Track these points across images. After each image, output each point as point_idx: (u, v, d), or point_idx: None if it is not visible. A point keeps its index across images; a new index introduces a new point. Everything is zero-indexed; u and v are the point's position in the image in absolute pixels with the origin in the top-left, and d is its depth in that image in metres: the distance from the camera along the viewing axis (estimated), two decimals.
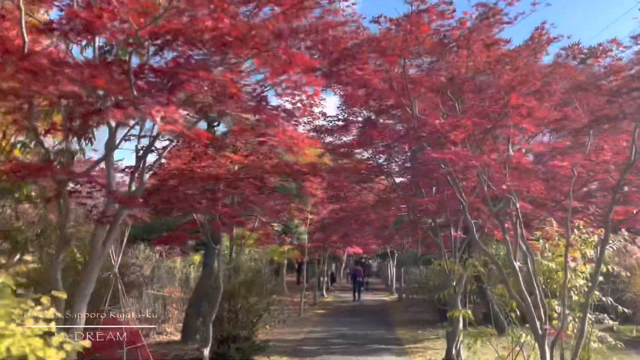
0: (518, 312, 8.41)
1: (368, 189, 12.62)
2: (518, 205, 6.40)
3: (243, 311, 11.19)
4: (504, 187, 5.69)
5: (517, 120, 6.76)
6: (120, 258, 7.89)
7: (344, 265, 38.18)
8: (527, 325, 9.06)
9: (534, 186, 7.79)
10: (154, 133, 5.65)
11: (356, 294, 25.63)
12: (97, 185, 4.57)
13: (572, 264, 7.59)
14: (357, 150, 11.84)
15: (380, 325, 16.52)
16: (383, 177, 11.29)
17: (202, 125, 12.62)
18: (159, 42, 3.98)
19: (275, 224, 16.51)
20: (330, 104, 47.68)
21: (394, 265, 30.82)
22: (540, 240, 8.36)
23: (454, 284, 10.98)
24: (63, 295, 4.14)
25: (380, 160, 10.87)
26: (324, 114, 10.94)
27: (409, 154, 9.55)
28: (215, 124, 12.41)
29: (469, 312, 8.41)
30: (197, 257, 17.99)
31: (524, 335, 8.47)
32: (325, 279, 29.74)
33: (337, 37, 4.63)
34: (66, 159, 4.74)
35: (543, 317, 6.78)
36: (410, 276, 21.28)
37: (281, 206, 10.69)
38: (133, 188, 5.52)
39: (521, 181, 6.28)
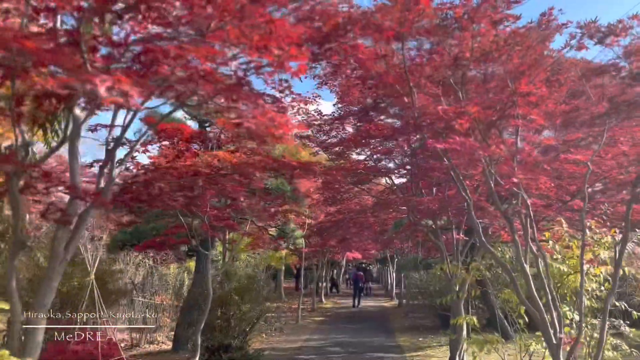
0: (526, 319, 7.77)
1: (366, 190, 11.96)
2: (529, 202, 5.77)
3: (235, 319, 10.53)
4: (515, 180, 5.05)
5: (525, 110, 6.14)
6: (97, 263, 7.25)
7: (343, 270, 37.29)
8: (536, 332, 8.44)
9: (543, 183, 7.17)
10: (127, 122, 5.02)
11: (356, 300, 24.94)
12: (53, 180, 3.95)
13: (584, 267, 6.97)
14: (354, 151, 11.23)
15: (380, 332, 15.85)
16: (381, 176, 10.66)
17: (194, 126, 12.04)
18: (116, 8, 3.38)
19: (270, 228, 15.82)
20: (326, 110, 47.03)
21: (393, 270, 30.11)
22: (550, 242, 7.73)
23: (457, 289, 10.34)
24: (5, 307, 3.47)
25: (378, 157, 10.23)
26: (319, 112, 10.31)
27: (407, 150, 8.91)
28: (207, 124, 11.83)
29: (474, 319, 7.74)
30: (192, 264, 17.35)
31: (533, 343, 7.82)
32: (324, 284, 28.97)
33: (326, 9, 4.02)
34: (19, 149, 4.11)
35: (557, 325, 6.13)
36: (411, 281, 20.58)
37: (274, 208, 10.04)
38: (102, 184, 4.89)
39: (534, 174, 5.64)
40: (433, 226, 10.93)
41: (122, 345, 13.20)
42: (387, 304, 26.73)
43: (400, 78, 5.41)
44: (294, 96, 5.25)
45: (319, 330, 16.18)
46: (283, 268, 24.88)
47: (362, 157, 11.65)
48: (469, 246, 11.16)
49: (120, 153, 5.33)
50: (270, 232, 15.32)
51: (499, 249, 11.14)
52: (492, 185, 6.07)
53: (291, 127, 3.64)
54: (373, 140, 9.99)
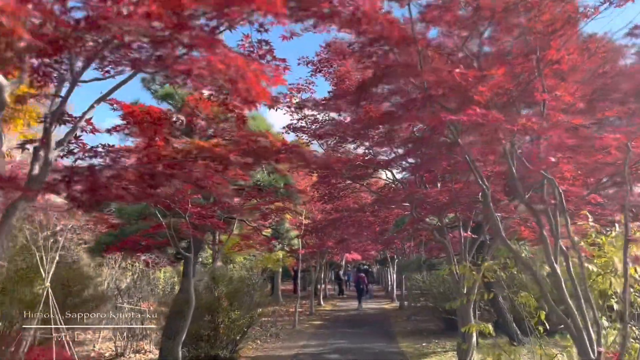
0: (547, 325, 6.72)
1: (366, 186, 10.84)
2: (561, 190, 4.71)
3: (224, 327, 9.46)
4: (552, 159, 3.99)
5: (553, 82, 5.09)
6: (54, 267, 6.19)
7: (342, 272, 35.93)
8: (549, 338, 7.38)
9: (568, 171, 6.12)
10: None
11: (360, 302, 23.94)
12: None
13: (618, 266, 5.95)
14: (351, 143, 10.16)
15: (381, 336, 14.75)
16: (381, 168, 9.58)
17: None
18: None
19: (265, 228, 14.72)
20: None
21: (394, 272, 28.97)
22: (575, 238, 6.69)
23: (465, 291, 9.28)
24: None
25: (377, 151, 9.13)
26: (314, 101, 9.21)
27: (411, 136, 7.83)
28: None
29: (490, 326, 6.65)
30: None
31: (558, 355, 6.75)
32: (323, 286, 27.77)
33: None
34: None
35: (593, 335, 5.08)
36: (413, 282, 19.46)
37: (264, 204, 8.97)
38: (36, 170, 3.82)
39: (574, 153, 4.59)
40: (439, 223, 9.87)
41: (107, 354, 12.17)
42: (388, 306, 25.62)
43: (405, 40, 4.36)
44: (278, 63, 4.19)
45: (317, 336, 15.07)
46: (280, 270, 23.74)
47: (360, 151, 10.62)
48: (477, 245, 10.11)
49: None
50: (265, 233, 14.22)
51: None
52: (514, 170, 5.02)
53: (263, 78, 2.58)
54: (372, 132, 8.94)
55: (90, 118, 4.09)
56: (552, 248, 5.08)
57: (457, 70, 3.83)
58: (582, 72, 5.71)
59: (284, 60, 4.28)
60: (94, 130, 4.24)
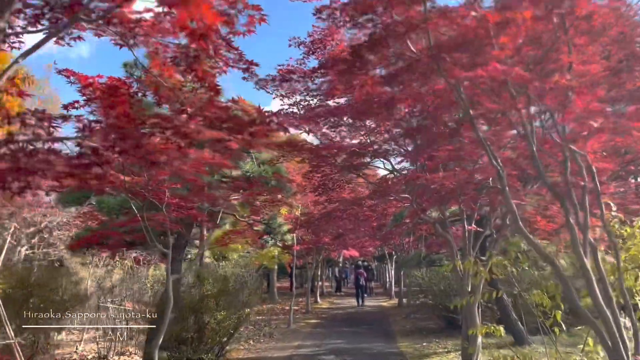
0: (563, 326, 5.88)
1: (363, 176, 9.96)
2: (594, 168, 3.86)
3: (209, 330, 8.59)
4: (594, 124, 3.14)
5: (584, 40, 4.23)
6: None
7: (337, 269, 34.88)
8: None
9: (592, 152, 5.27)
10: None
11: (359, 300, 23.03)
12: None
13: None
14: (346, 131, 9.30)
15: (379, 336, 13.90)
16: (378, 158, 8.72)
17: None
18: None
19: (258, 223, 13.84)
20: None
21: (392, 268, 28.08)
22: (597, 229, 5.86)
23: (469, 289, 8.45)
24: None
25: (374, 141, 8.26)
26: (302, 72, 8.26)
27: (412, 114, 6.95)
28: None
29: (501, 328, 5.80)
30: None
31: None
32: (319, 283, 26.83)
33: None
34: None
35: (629, 343, 4.25)
36: (412, 279, 18.58)
37: (252, 195, 8.12)
38: None
39: (619, 119, 3.74)
40: (440, 216, 9.03)
41: (90, 357, 11.31)
42: (386, 304, 24.75)
43: None
44: (252, 12, 3.32)
45: (313, 335, 14.21)
46: (276, 267, 22.82)
47: (355, 142, 9.78)
48: (481, 240, 9.29)
49: None
50: (258, 228, 13.33)
51: (522, 243, 9.19)
52: (534, 147, 4.17)
53: None
54: (368, 120, 8.10)
55: (13, 78, 3.23)
56: (580, 239, 4.23)
57: (474, 13, 2.99)
58: (611, 35, 4.86)
59: (258, 8, 3.40)
60: (20, 94, 3.38)
